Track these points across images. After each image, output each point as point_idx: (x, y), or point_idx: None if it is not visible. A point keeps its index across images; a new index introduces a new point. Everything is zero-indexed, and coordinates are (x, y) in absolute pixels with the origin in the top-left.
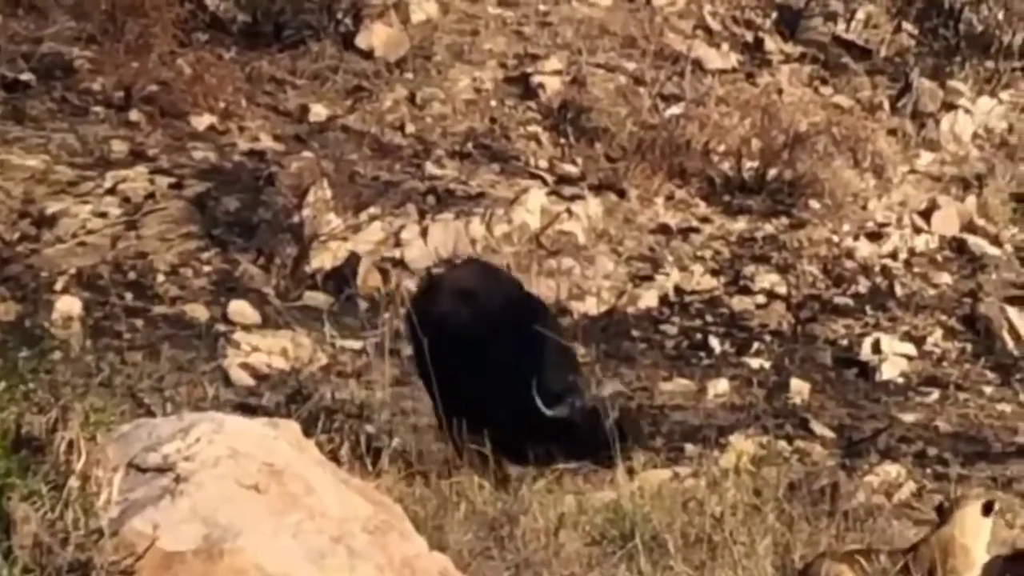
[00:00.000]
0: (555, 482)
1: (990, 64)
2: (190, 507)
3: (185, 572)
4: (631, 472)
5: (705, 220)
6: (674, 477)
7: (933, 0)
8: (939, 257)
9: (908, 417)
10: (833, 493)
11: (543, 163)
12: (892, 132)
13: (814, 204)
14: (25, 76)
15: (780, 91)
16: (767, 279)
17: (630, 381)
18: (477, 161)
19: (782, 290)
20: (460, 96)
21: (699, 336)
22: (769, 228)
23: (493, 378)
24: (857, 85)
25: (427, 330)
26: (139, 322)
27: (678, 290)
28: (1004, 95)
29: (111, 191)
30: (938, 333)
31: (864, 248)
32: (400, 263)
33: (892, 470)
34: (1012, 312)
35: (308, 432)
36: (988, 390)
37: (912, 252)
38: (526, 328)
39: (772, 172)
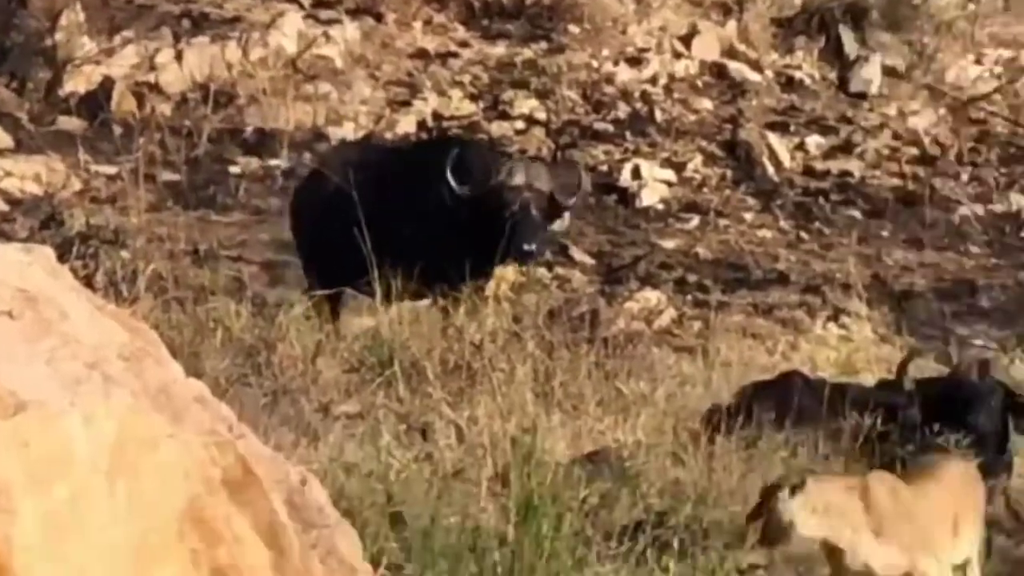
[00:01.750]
0: (313, 309)
1: None
2: None
3: None
4: (389, 298)
5: (464, 45)
6: (433, 304)
7: None
8: (699, 83)
9: (668, 243)
10: (593, 320)
11: None
12: None
13: (573, 29)
14: None
15: None
16: (526, 104)
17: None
18: None
19: (541, 116)
20: None
21: None
22: (528, 53)
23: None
24: None
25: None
26: None
27: (436, 115)
28: None
29: None
30: (698, 159)
31: (624, 73)
32: (155, 87)
33: (652, 297)
34: (772, 138)
35: (62, 258)
36: (748, 216)
37: (672, 78)
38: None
39: None
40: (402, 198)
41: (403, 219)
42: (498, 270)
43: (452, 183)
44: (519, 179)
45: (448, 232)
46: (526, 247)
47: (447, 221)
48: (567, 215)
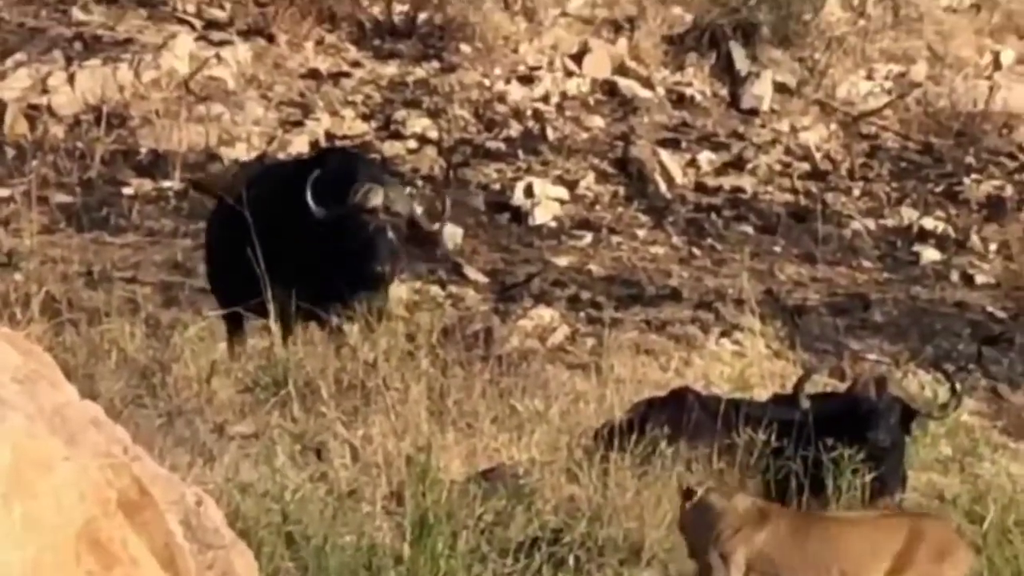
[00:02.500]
0: (207, 330)
1: None
2: None
3: None
4: (284, 319)
5: (356, 65)
6: (325, 324)
7: None
8: (591, 100)
9: (561, 261)
10: (487, 338)
11: (191, 8)
12: None
13: (465, 48)
14: None
15: None
16: (418, 123)
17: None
18: (124, 6)
19: (434, 135)
20: None
21: None
22: (420, 72)
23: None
24: None
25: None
26: None
27: (329, 135)
28: None
29: None
30: (590, 177)
31: (516, 92)
32: (47, 109)
33: (546, 314)
34: (664, 155)
35: None
36: (641, 233)
37: (564, 95)
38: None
39: (422, 16)
40: (283, 216)
41: (285, 238)
42: (392, 288)
43: (311, 204)
44: (375, 201)
45: (320, 253)
46: (377, 269)
47: (317, 242)
48: (458, 235)
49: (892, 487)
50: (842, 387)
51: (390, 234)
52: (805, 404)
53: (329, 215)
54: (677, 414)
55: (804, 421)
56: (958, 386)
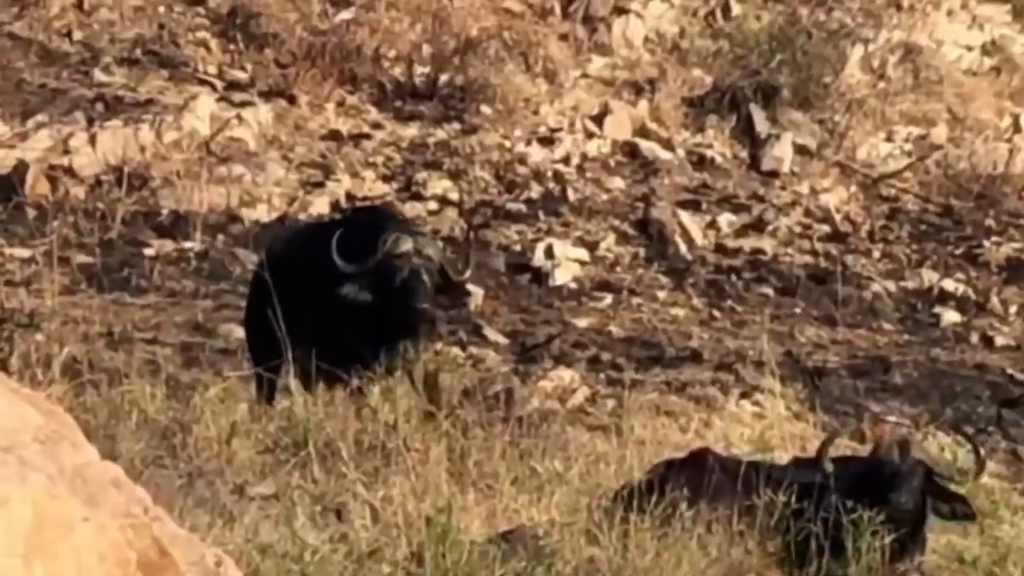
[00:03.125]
0: (227, 390)
1: None
2: None
3: None
4: (305, 380)
5: (376, 126)
6: (346, 384)
7: None
8: (611, 162)
9: (581, 322)
10: (507, 399)
11: (212, 69)
12: (564, 37)
13: (486, 110)
14: None
15: None
16: (439, 185)
17: None
18: (146, 68)
19: (454, 196)
20: (128, 2)
21: None
22: (441, 134)
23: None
24: None
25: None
26: None
27: (349, 196)
28: None
29: None
30: (611, 238)
31: (536, 153)
32: (69, 170)
33: (566, 375)
34: (684, 216)
35: None
36: (661, 295)
37: (585, 157)
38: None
39: (444, 77)
40: (307, 276)
41: (309, 298)
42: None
43: (339, 263)
44: (405, 247)
45: (348, 313)
46: (419, 306)
47: (345, 302)
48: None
49: (912, 550)
50: (863, 449)
51: (425, 276)
52: (828, 467)
53: (359, 268)
54: (696, 475)
55: (826, 483)
56: (982, 451)
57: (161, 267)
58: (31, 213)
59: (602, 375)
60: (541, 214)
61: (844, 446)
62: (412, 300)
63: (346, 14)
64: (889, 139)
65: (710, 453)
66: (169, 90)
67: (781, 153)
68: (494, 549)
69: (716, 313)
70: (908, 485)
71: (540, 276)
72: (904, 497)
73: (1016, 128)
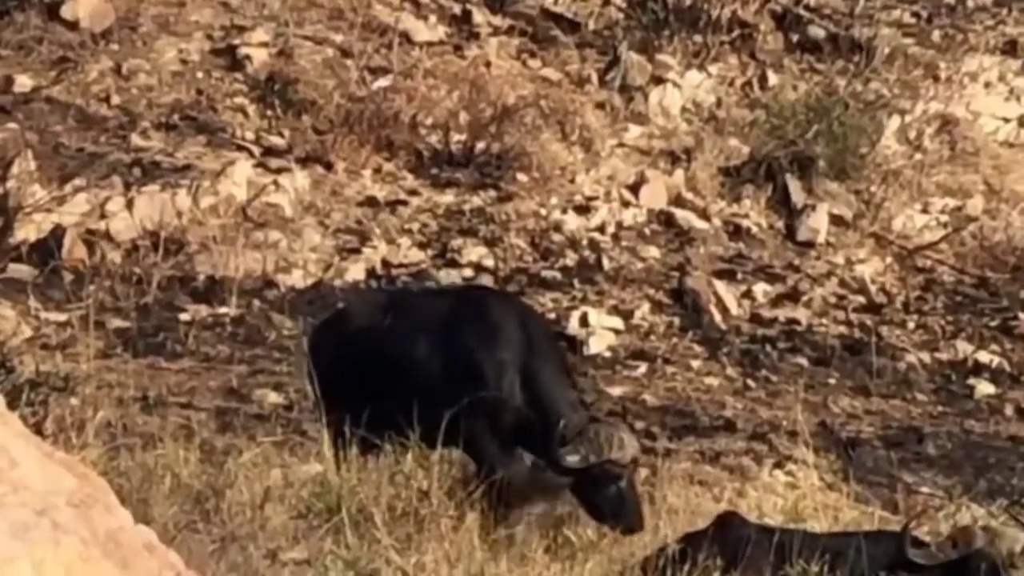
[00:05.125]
0: (261, 455)
1: (698, 38)
2: None
3: None
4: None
5: (413, 193)
6: (380, 450)
7: None
8: (647, 231)
9: (616, 390)
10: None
11: (250, 135)
12: (600, 105)
13: (522, 177)
14: None
15: (488, 64)
16: (475, 252)
17: None
18: (183, 133)
19: (490, 263)
20: (166, 67)
21: None
22: (477, 201)
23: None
24: (565, 58)
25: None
26: None
27: (385, 263)
28: (712, 68)
29: None
30: (646, 307)
31: (572, 221)
32: (105, 235)
33: None
34: (719, 286)
35: (12, 405)
36: (695, 364)
37: (620, 226)
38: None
39: (480, 145)
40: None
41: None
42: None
43: (563, 459)
44: (631, 453)
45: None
46: (630, 526)
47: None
48: None
49: None
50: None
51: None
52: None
53: (580, 465)
54: (729, 542)
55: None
56: None
57: (196, 332)
58: (68, 277)
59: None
60: (576, 282)
61: (879, 516)
62: (624, 520)
63: (384, 81)
64: (925, 210)
65: (736, 517)
66: (206, 155)
67: (817, 224)
68: None
69: (750, 383)
70: None
71: (575, 344)
72: None
73: None
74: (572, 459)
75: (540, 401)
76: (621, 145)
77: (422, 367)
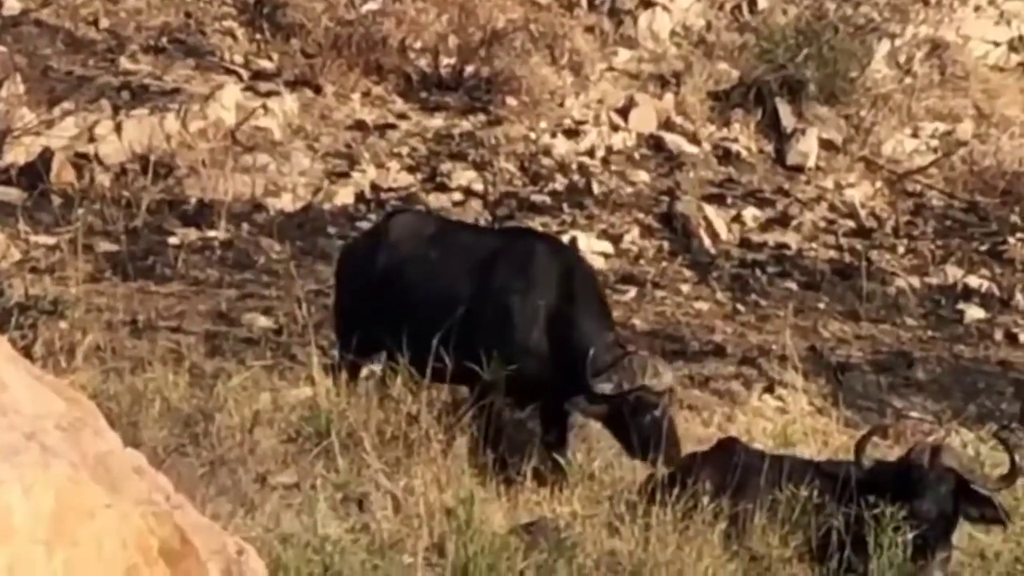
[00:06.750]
0: (250, 379)
1: None
2: None
3: None
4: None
5: (402, 117)
6: (370, 375)
7: None
8: (636, 155)
9: None
10: None
11: (238, 59)
12: (590, 29)
13: (511, 101)
14: None
15: None
16: (464, 176)
17: (327, 278)
18: (172, 56)
19: (479, 187)
20: None
21: None
22: (466, 125)
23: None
24: None
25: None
26: None
27: (374, 187)
28: None
29: None
30: (635, 231)
31: (561, 145)
32: (94, 158)
33: None
34: (709, 210)
35: (1, 328)
36: (685, 288)
37: (609, 150)
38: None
39: (469, 69)
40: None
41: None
42: None
43: (595, 385)
44: (666, 383)
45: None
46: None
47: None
48: None
49: (935, 550)
50: (884, 445)
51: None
52: (865, 464)
53: (614, 391)
54: (721, 468)
55: (857, 481)
56: (1017, 457)
57: (185, 256)
58: (56, 201)
59: None
60: (566, 206)
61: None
62: (646, 450)
63: (373, 4)
64: (915, 135)
65: (737, 444)
66: (195, 79)
67: (806, 148)
68: (515, 541)
69: (740, 307)
70: (934, 493)
71: None
72: (927, 506)
73: None
74: (604, 386)
75: (573, 341)
76: (610, 69)
77: (459, 303)
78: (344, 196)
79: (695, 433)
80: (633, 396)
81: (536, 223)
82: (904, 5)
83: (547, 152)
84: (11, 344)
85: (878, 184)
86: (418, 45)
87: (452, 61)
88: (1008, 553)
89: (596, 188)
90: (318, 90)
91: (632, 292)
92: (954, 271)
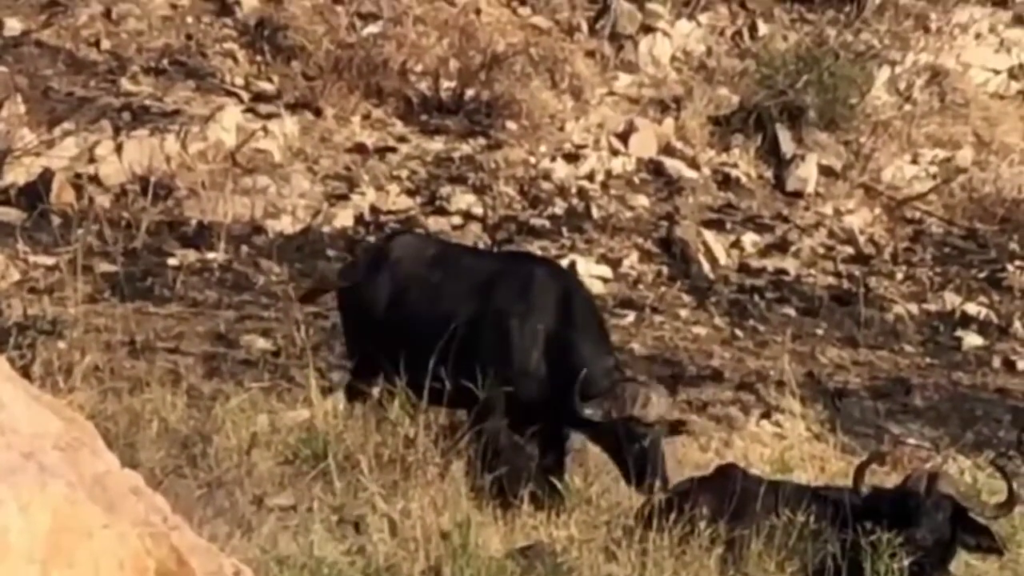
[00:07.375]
0: (248, 401)
1: None
2: None
3: None
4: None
5: (402, 140)
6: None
7: None
8: (636, 179)
9: None
10: None
11: (239, 80)
12: (590, 54)
13: (511, 125)
14: None
15: (478, 11)
16: (463, 199)
17: (325, 301)
18: (173, 78)
19: (478, 211)
20: (156, 12)
21: None
22: (466, 148)
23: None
24: (555, 6)
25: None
26: None
27: (374, 209)
28: (702, 18)
29: None
30: (634, 255)
31: (561, 169)
32: (94, 179)
33: None
34: (708, 235)
35: (0, 348)
36: (683, 313)
37: (609, 174)
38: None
39: (469, 92)
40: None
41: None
42: None
43: (582, 410)
44: (659, 413)
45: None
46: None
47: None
48: None
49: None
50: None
51: (663, 452)
52: (864, 491)
53: (602, 418)
54: (718, 494)
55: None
56: (1015, 486)
57: (184, 277)
58: (56, 221)
59: None
60: (565, 230)
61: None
62: (644, 478)
63: (373, 28)
64: (914, 161)
65: (735, 469)
66: (195, 100)
67: (806, 174)
68: (512, 565)
69: (738, 333)
70: (931, 520)
71: None
72: (924, 533)
73: None
74: (589, 411)
75: (572, 364)
76: (611, 94)
77: (459, 325)
78: (343, 219)
79: (693, 458)
80: (622, 424)
81: (535, 247)
82: (904, 32)
83: (547, 176)
84: (9, 364)
85: (877, 210)
86: (419, 68)
87: (452, 84)
88: None
89: (595, 212)
90: (318, 113)
91: (631, 316)
92: (952, 298)
